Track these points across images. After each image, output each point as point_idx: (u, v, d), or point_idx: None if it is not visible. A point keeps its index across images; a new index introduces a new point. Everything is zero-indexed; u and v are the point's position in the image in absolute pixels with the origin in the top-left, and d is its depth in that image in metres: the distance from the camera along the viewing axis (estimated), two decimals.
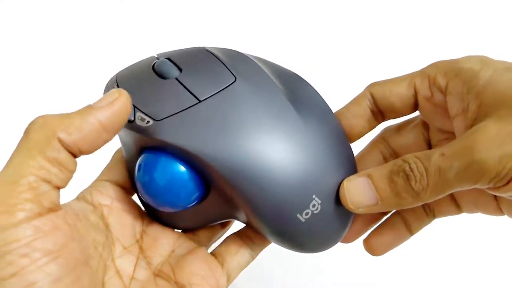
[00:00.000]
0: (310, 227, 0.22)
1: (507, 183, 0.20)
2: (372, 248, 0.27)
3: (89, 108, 0.20)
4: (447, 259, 0.42)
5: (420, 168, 0.20)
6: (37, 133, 0.19)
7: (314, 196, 0.22)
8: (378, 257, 0.28)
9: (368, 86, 0.26)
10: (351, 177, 0.23)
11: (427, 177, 0.20)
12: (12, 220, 0.17)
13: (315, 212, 0.22)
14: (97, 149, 0.20)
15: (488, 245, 0.42)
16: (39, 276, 0.17)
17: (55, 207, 0.19)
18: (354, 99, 0.26)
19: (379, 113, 0.26)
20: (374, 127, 0.27)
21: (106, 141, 0.20)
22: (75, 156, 0.19)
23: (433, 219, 0.28)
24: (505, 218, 0.25)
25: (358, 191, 0.22)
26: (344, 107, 0.27)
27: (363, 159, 0.28)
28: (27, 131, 0.19)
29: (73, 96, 0.48)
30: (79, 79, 0.49)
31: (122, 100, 0.20)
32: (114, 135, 0.20)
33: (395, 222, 0.27)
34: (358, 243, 0.27)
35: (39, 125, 0.19)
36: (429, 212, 0.28)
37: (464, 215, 0.27)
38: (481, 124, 0.20)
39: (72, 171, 0.19)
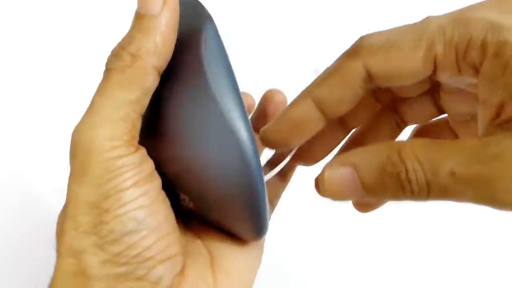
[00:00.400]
0: (202, 213, 0.23)
1: None
2: (362, 206, 0.25)
3: (150, 18, 0.19)
4: (446, 260, 0.42)
5: (421, 181, 0.16)
6: (132, 67, 0.20)
7: (179, 193, 0.22)
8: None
9: (357, 52, 0.19)
10: (333, 164, 0.19)
11: (427, 192, 0.16)
12: (127, 152, 0.19)
13: (190, 206, 0.22)
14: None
15: (486, 246, 0.42)
16: (149, 187, 0.20)
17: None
18: (337, 73, 0.20)
19: (373, 92, 0.21)
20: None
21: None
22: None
23: None
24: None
25: (339, 184, 0.18)
26: (322, 82, 0.20)
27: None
28: (120, 67, 0.20)
29: (73, 96, 0.48)
30: (79, 79, 0.49)
31: None
32: None
33: None
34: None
35: (130, 59, 0.20)
36: None
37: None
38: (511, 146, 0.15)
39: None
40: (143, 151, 0.20)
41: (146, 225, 0.19)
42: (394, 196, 0.17)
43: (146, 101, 0.20)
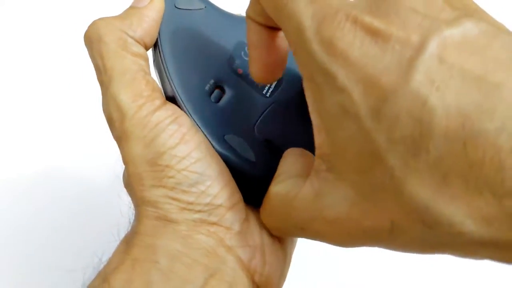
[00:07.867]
0: None
1: None
2: None
3: (136, 9, 0.23)
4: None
5: None
6: (109, 35, 0.22)
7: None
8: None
9: None
10: None
11: None
12: (155, 106, 0.21)
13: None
14: (153, 42, 0.24)
15: None
16: (196, 141, 0.21)
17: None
18: None
19: None
20: None
21: (157, 34, 0.23)
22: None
23: None
24: None
25: None
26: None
27: None
28: (98, 37, 0.22)
29: (73, 97, 0.48)
30: (79, 79, 0.49)
31: None
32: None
33: None
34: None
35: (106, 28, 0.22)
36: None
37: None
38: None
39: (148, 61, 0.23)
40: (170, 105, 0.22)
41: (208, 176, 0.21)
42: None
43: (140, 61, 0.22)
